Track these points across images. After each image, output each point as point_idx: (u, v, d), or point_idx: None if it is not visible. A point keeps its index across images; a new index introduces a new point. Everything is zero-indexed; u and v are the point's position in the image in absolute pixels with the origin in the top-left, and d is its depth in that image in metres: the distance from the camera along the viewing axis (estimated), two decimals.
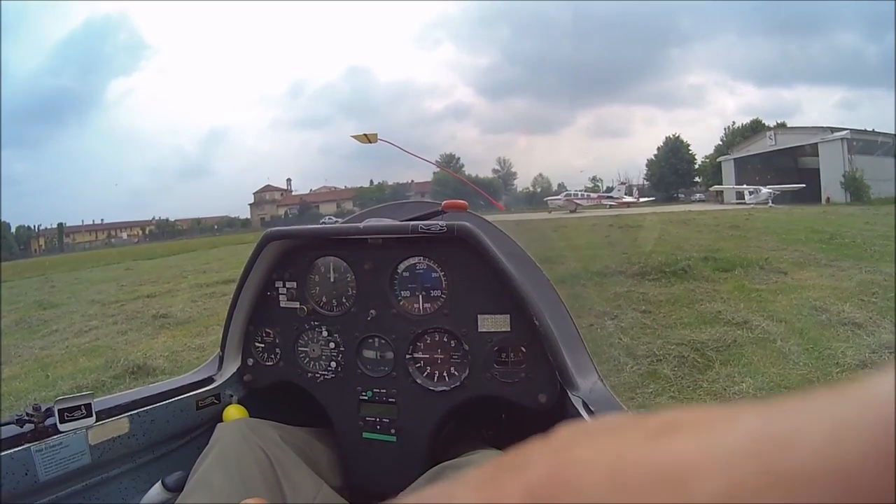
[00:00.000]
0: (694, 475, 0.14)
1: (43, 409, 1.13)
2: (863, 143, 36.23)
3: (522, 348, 1.29)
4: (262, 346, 1.50)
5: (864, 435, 0.13)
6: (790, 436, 0.14)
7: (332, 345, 1.44)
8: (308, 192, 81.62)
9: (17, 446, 1.08)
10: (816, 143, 38.17)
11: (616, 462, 0.16)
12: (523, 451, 0.21)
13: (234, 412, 1.44)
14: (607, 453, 0.17)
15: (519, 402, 1.29)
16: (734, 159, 47.40)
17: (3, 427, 1.09)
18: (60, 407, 1.14)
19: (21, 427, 1.10)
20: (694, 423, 0.16)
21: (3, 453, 1.05)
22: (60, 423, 1.13)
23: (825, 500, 0.13)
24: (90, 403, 1.18)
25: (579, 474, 0.17)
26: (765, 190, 33.61)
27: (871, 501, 0.12)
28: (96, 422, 1.20)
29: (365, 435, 1.39)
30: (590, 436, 0.19)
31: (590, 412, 1.12)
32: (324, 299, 1.46)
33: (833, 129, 37.92)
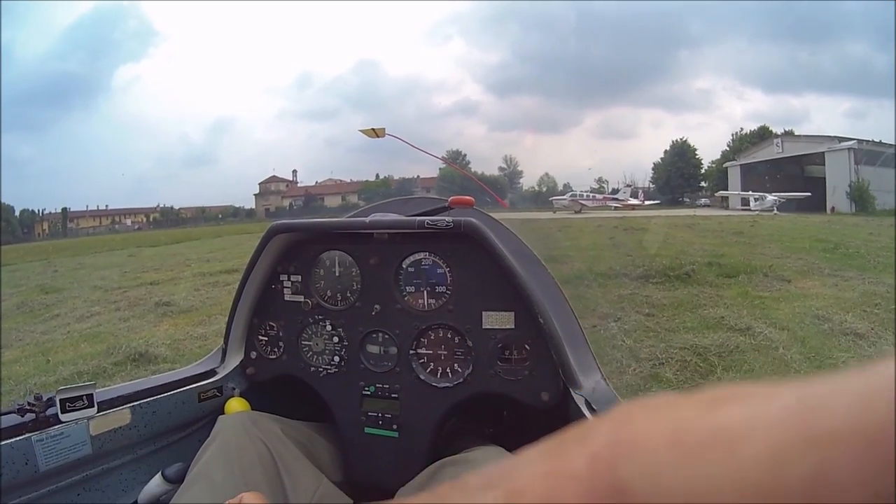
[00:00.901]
0: (742, 438, 0.16)
1: (44, 398, 1.13)
2: (870, 153, 36.09)
3: (526, 346, 1.29)
4: (266, 339, 1.50)
5: (889, 401, 0.14)
6: (824, 403, 0.16)
7: (335, 339, 1.43)
8: (313, 184, 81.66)
9: (18, 436, 1.07)
10: (823, 152, 38.04)
11: (674, 428, 0.18)
12: (586, 424, 0.22)
13: (236, 405, 1.44)
14: (666, 421, 0.18)
15: (522, 399, 1.28)
16: (740, 165, 47.28)
17: (4, 416, 1.09)
18: (62, 397, 1.13)
19: (22, 416, 1.09)
20: (741, 395, 0.18)
21: (3, 443, 1.05)
22: (62, 412, 1.13)
23: (855, 458, 0.14)
24: (92, 394, 1.18)
25: (641, 439, 0.18)
26: (770, 197, 33.52)
27: (892, 463, 0.14)
28: (98, 412, 1.19)
29: (367, 430, 1.39)
30: (648, 409, 0.20)
31: (592, 411, 1.11)
32: (328, 293, 1.45)
33: (840, 139, 37.78)
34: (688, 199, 58.36)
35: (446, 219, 1.27)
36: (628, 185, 53.15)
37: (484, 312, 1.31)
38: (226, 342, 1.51)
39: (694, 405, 0.18)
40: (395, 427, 1.37)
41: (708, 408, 0.18)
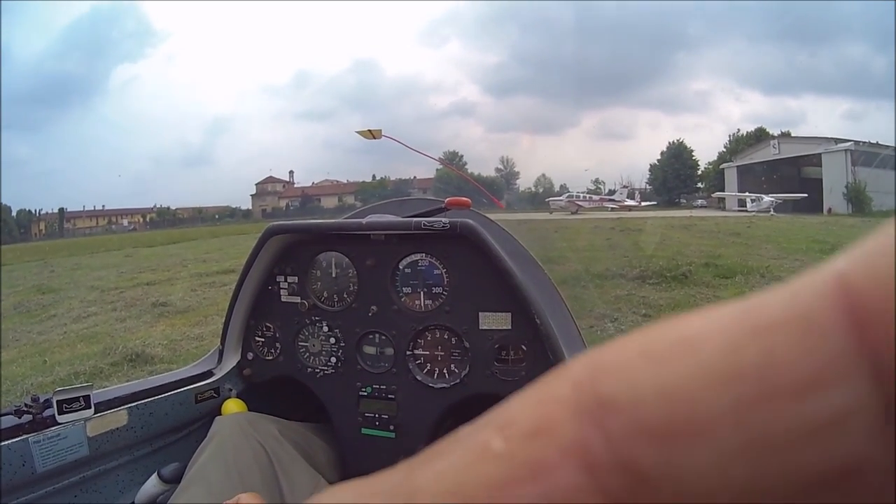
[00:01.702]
0: (700, 338, 0.18)
1: (41, 399, 1.13)
2: (867, 154, 36.18)
3: (523, 346, 1.29)
4: (263, 340, 1.50)
5: (817, 289, 0.17)
6: (763, 301, 0.18)
7: (332, 340, 1.44)
8: (310, 184, 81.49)
9: (15, 437, 1.08)
10: (820, 154, 38.13)
11: (643, 342, 0.20)
12: (566, 363, 0.23)
13: (232, 406, 1.44)
14: (635, 339, 0.20)
15: None
16: (737, 167, 47.37)
17: (1, 418, 1.09)
18: (59, 398, 1.14)
19: (19, 418, 1.10)
20: (696, 312, 0.20)
21: (1, 444, 1.05)
22: (59, 414, 1.13)
23: (794, 342, 0.17)
24: (89, 395, 1.18)
25: (615, 359, 0.20)
26: (767, 198, 33.49)
27: (827, 337, 0.16)
28: (95, 413, 1.19)
29: (364, 431, 1.39)
30: (618, 339, 0.21)
31: None
32: (325, 294, 1.46)
33: (837, 140, 37.88)
34: (684, 201, 58.36)
35: (443, 220, 1.28)
36: (625, 187, 52.99)
37: (481, 313, 1.32)
38: (222, 343, 1.51)
39: (658, 325, 0.21)
40: (391, 428, 1.37)
41: (671, 323, 0.20)
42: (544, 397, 0.22)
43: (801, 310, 0.17)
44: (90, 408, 1.18)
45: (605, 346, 0.21)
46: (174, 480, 1.19)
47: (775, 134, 51.39)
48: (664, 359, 0.19)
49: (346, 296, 1.44)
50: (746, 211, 33.94)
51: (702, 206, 48.93)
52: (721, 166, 51.80)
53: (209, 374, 1.48)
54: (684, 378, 0.18)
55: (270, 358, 1.50)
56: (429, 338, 1.37)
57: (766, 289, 0.19)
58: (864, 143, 37.37)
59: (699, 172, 60.48)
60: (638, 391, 0.19)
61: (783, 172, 43.80)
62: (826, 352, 0.16)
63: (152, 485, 1.23)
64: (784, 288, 0.18)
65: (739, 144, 53.68)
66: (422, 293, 1.38)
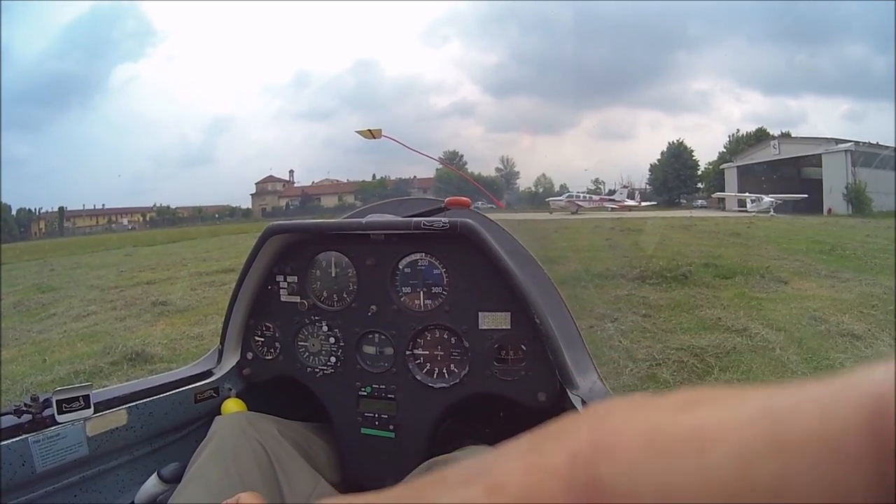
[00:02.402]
0: (712, 440, 0.17)
1: (41, 399, 1.13)
2: (867, 155, 36.17)
3: (523, 346, 1.29)
4: (262, 339, 1.50)
5: (851, 411, 0.16)
6: (790, 410, 0.17)
7: (332, 340, 1.43)
8: (310, 184, 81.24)
9: (15, 437, 1.08)
10: (820, 154, 38.13)
11: (649, 430, 0.19)
12: (564, 422, 0.22)
13: (232, 406, 1.44)
14: (642, 423, 0.19)
15: (518, 399, 1.29)
16: (737, 167, 47.34)
17: (1, 417, 1.09)
18: (59, 398, 1.14)
19: (19, 417, 1.10)
20: (713, 399, 0.19)
21: (0, 444, 1.05)
22: (58, 414, 1.13)
23: (818, 464, 0.15)
24: (88, 395, 1.18)
25: (618, 440, 0.19)
26: (767, 198, 33.45)
27: (855, 467, 0.15)
28: (94, 413, 1.19)
29: (363, 430, 1.39)
30: (625, 408, 0.21)
31: None
32: (324, 294, 1.46)
33: (837, 141, 37.88)
34: (684, 201, 58.19)
35: (442, 220, 1.28)
36: (625, 187, 52.78)
37: (480, 313, 1.32)
38: (222, 343, 1.51)
39: (668, 406, 0.19)
40: (391, 427, 1.37)
41: (681, 409, 0.19)
42: (538, 464, 0.21)
43: (831, 432, 0.16)
44: (90, 407, 1.18)
45: (610, 411, 0.21)
46: (174, 480, 1.19)
47: (775, 134, 51.40)
48: (671, 454, 0.18)
49: (345, 295, 1.44)
50: (746, 211, 33.90)
51: (702, 207, 48.80)
52: (721, 166, 51.77)
53: (209, 373, 1.48)
54: (689, 480, 0.17)
55: (270, 357, 1.50)
56: (428, 337, 1.37)
57: (793, 388, 0.18)
58: (865, 143, 37.37)
59: (699, 173, 60.37)
60: (637, 483, 0.18)
61: (783, 173, 43.78)
62: (851, 485, 0.15)
63: (152, 484, 1.23)
64: (814, 397, 0.17)
65: (739, 144, 53.62)
66: (421, 293, 1.38)
